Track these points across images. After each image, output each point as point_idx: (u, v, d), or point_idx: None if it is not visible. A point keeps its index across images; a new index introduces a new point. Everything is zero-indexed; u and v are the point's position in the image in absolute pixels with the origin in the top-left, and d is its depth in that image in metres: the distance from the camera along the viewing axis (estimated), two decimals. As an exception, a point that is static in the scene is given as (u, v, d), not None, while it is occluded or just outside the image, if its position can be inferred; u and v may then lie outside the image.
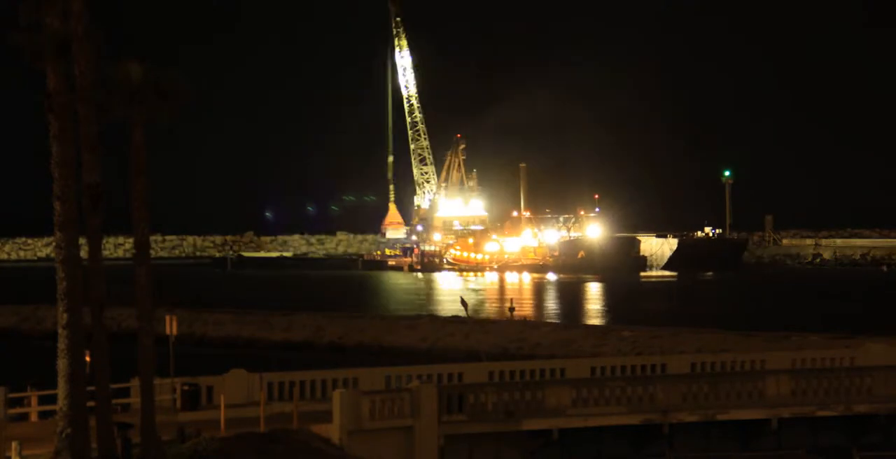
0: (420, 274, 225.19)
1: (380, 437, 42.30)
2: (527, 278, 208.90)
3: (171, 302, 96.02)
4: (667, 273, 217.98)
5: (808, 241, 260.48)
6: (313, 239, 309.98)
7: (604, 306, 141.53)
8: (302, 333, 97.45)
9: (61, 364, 34.18)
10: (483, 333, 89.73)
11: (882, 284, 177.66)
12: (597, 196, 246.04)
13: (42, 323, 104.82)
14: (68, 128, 34.05)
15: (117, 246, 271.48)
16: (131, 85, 36.19)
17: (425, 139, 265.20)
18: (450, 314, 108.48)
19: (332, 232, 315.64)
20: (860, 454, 46.92)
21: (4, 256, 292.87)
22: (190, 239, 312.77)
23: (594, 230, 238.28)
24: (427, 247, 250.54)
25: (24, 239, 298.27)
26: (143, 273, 37.05)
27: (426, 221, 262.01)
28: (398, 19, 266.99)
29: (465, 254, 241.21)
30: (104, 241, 47.40)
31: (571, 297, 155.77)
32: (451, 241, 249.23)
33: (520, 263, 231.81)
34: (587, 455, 46.09)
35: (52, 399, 36.31)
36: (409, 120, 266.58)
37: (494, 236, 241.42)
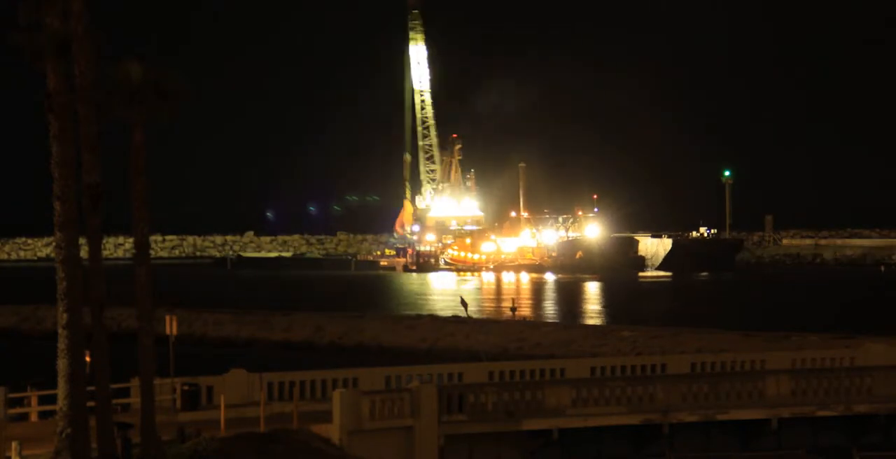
0: (414, 274, 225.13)
1: (380, 437, 42.30)
2: (525, 278, 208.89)
3: (171, 302, 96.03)
4: (661, 273, 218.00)
5: (808, 241, 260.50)
6: (313, 240, 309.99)
7: (603, 306, 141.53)
8: (302, 333, 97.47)
9: (61, 364, 34.17)
10: (483, 333, 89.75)
11: (882, 284, 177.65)
12: (595, 196, 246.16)
13: (42, 323, 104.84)
14: (68, 128, 34.04)
15: (117, 246, 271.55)
16: (131, 85, 36.19)
17: (435, 136, 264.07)
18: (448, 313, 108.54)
19: (332, 233, 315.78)
20: (860, 454, 46.91)
21: (4, 256, 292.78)
22: (190, 239, 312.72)
23: (593, 230, 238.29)
24: (423, 247, 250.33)
25: (24, 239, 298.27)
26: (143, 273, 37.07)
27: (421, 221, 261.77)
28: (415, 12, 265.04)
29: (463, 254, 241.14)
30: (104, 241, 47.37)
31: (570, 297, 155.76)
32: (447, 241, 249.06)
33: (517, 263, 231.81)
34: (587, 455, 46.09)
35: (52, 399, 36.30)
36: (419, 116, 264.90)
37: (492, 236, 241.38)
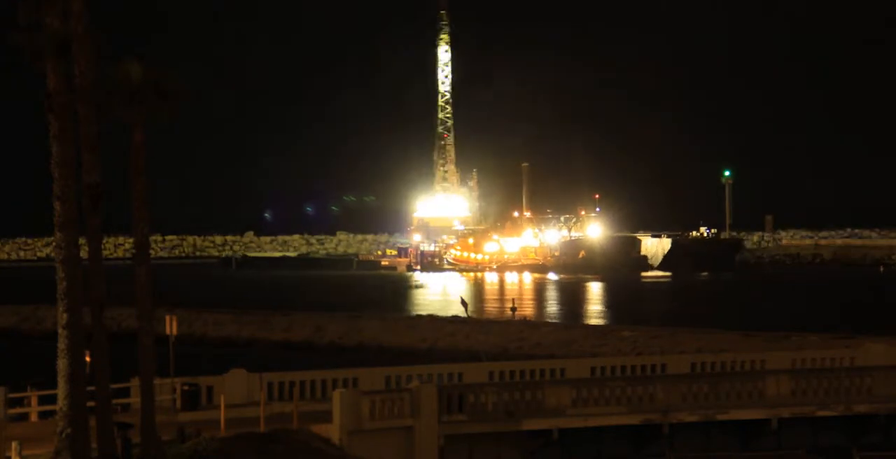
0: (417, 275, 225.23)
1: (380, 437, 42.29)
2: (527, 278, 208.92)
3: (171, 302, 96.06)
4: (661, 273, 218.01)
5: (808, 241, 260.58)
6: (313, 240, 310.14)
7: (604, 306, 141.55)
8: (302, 333, 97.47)
9: (61, 364, 34.17)
10: (483, 333, 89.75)
11: (882, 284, 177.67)
12: (597, 196, 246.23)
13: (42, 323, 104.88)
14: (68, 128, 34.02)
15: (117, 247, 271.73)
16: (131, 85, 36.19)
17: (452, 136, 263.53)
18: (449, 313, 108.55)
19: (331, 233, 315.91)
20: (860, 454, 46.89)
21: (4, 256, 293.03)
22: (190, 239, 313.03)
23: (595, 230, 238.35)
24: (426, 247, 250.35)
25: (24, 239, 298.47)
26: (143, 273, 37.07)
27: (422, 222, 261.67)
28: (443, 12, 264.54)
29: (466, 254, 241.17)
30: (104, 241, 47.42)
31: (572, 297, 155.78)
32: (450, 241, 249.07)
33: (520, 263, 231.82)
34: (587, 455, 46.08)
35: (52, 399, 36.30)
36: (440, 116, 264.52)
37: (495, 236, 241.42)
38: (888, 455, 47.03)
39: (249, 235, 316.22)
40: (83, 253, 34.34)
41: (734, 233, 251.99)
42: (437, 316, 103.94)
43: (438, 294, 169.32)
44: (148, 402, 36.73)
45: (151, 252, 37.88)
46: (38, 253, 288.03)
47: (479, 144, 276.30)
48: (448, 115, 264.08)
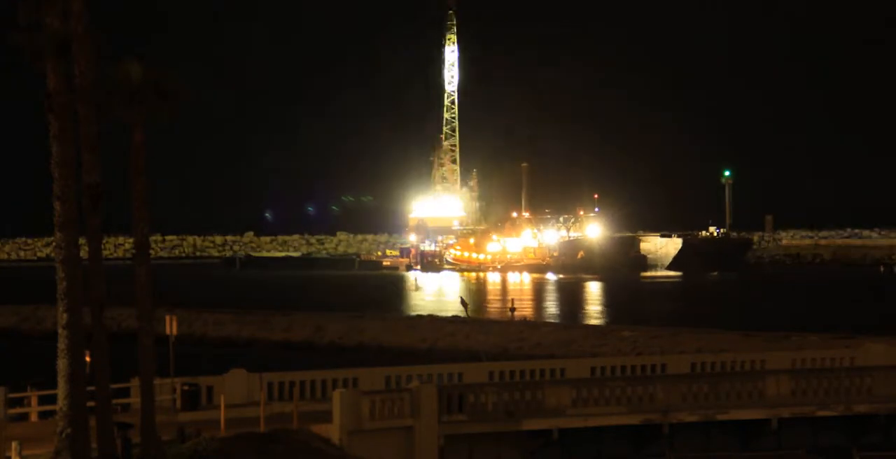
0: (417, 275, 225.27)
1: (380, 437, 42.29)
2: (526, 278, 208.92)
3: (171, 302, 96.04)
4: (671, 273, 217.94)
5: (808, 241, 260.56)
6: (313, 240, 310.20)
7: (604, 306, 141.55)
8: (302, 333, 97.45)
9: (61, 364, 34.16)
10: (483, 333, 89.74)
11: (882, 284, 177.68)
12: (596, 196, 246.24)
13: (42, 323, 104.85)
14: (68, 128, 34.02)
15: (117, 247, 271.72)
16: (131, 85, 36.19)
17: (458, 137, 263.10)
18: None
19: (332, 233, 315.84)
20: (860, 454, 46.89)
21: (4, 256, 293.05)
22: (190, 239, 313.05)
23: (594, 230, 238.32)
24: (426, 247, 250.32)
25: (24, 239, 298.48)
26: (143, 273, 37.07)
27: (421, 222, 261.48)
28: (451, 12, 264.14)
29: (466, 254, 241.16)
30: (104, 241, 47.41)
31: (571, 297, 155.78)
32: (449, 241, 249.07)
33: (523, 263, 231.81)
34: (587, 455, 46.08)
35: (52, 399, 36.30)
36: (446, 116, 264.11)
37: (495, 236, 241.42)
38: (888, 455, 47.02)
39: (249, 235, 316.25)
40: (83, 253, 34.35)
41: (734, 233, 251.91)
42: (437, 316, 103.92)
43: (433, 294, 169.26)
44: (148, 402, 36.73)
45: (151, 252, 37.88)
46: (38, 253, 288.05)
47: (479, 144, 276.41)
48: (454, 116, 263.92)
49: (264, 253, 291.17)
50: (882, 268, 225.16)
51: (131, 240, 37.75)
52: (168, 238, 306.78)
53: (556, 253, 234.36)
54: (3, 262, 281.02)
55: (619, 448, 46.50)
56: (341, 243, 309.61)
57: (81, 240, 34.35)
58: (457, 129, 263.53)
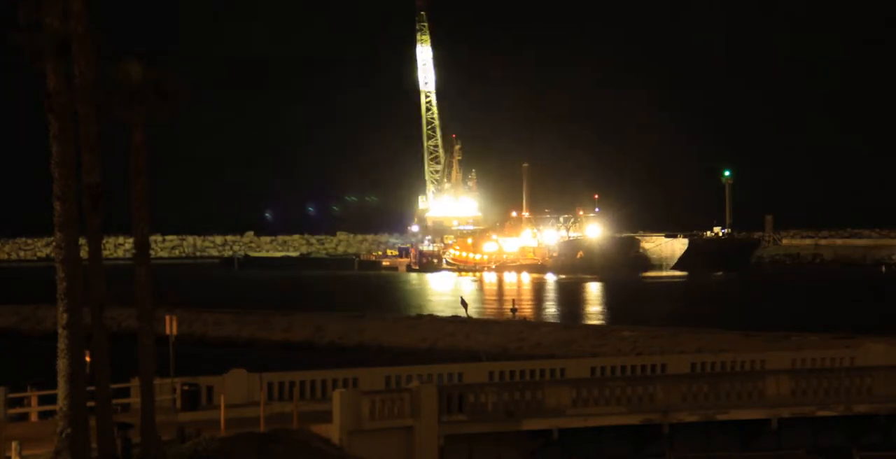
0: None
1: (380, 437, 42.30)
2: (525, 278, 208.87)
3: (171, 302, 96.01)
4: (677, 273, 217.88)
5: (808, 241, 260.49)
6: (313, 240, 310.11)
7: (604, 306, 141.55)
8: (302, 333, 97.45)
9: (61, 364, 34.17)
10: (483, 333, 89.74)
11: (882, 284, 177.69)
12: (596, 196, 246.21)
13: (42, 323, 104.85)
14: (68, 128, 34.03)
15: (117, 246, 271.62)
16: (131, 85, 36.19)
17: (440, 137, 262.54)
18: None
19: (332, 233, 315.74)
20: (860, 454, 46.90)
21: (4, 256, 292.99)
22: (190, 239, 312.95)
23: (593, 230, 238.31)
24: (425, 247, 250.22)
25: (24, 239, 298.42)
26: (143, 273, 37.07)
27: (423, 222, 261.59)
28: (423, 13, 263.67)
29: (464, 254, 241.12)
30: (104, 241, 47.35)
31: (571, 297, 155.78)
32: (449, 241, 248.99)
33: (519, 263, 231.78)
34: (587, 455, 46.08)
35: (52, 399, 36.30)
36: (425, 117, 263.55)
37: (494, 236, 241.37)
38: (888, 455, 47.03)
39: (249, 235, 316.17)
40: (83, 253, 34.35)
41: (734, 233, 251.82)
42: (437, 316, 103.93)
43: (436, 293, 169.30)
44: (148, 402, 36.73)
45: (151, 252, 37.88)
46: (38, 253, 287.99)
47: (479, 144, 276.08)
48: (433, 116, 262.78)
49: (262, 253, 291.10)
50: (882, 268, 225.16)
51: (131, 240, 37.74)
52: (168, 238, 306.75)
53: (555, 253, 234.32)
54: (3, 262, 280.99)
55: (619, 448, 46.50)
56: (341, 243, 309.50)
57: (81, 240, 34.36)
58: (437, 129, 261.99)
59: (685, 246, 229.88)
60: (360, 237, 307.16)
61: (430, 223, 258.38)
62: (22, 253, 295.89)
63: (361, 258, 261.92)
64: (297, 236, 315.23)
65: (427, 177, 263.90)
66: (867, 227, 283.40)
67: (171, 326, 47.39)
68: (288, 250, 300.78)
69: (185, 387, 45.26)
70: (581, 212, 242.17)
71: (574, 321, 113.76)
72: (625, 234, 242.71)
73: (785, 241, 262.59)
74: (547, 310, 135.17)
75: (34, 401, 44.40)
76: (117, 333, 56.10)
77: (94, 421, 34.76)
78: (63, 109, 33.95)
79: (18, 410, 43.98)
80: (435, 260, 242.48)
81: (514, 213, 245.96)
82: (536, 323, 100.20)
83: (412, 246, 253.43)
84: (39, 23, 33.72)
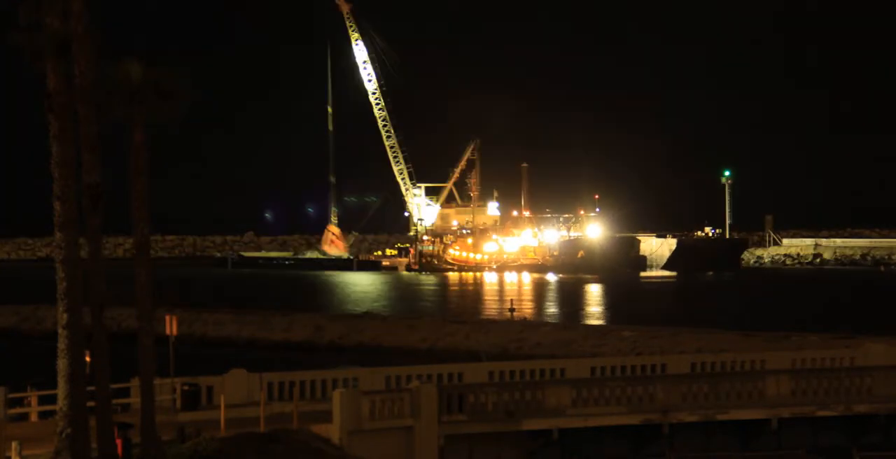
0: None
1: (380, 437, 42.31)
2: (526, 278, 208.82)
3: (171, 302, 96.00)
4: (666, 273, 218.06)
5: (808, 241, 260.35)
6: (313, 240, 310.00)
7: (603, 306, 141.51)
8: (302, 333, 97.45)
9: (61, 364, 34.17)
10: (483, 333, 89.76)
11: (882, 284, 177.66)
12: (597, 196, 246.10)
13: (42, 323, 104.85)
14: (68, 128, 34.03)
15: (117, 246, 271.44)
16: (131, 85, 36.20)
17: (399, 135, 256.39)
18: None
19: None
20: (860, 454, 46.92)
21: (4, 256, 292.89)
22: (190, 239, 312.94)
23: (594, 230, 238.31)
24: (425, 247, 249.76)
25: (24, 239, 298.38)
26: (143, 273, 37.07)
27: (423, 222, 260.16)
28: (348, 13, 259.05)
29: (465, 254, 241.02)
30: (104, 241, 47.25)
31: (571, 297, 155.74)
32: (449, 241, 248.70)
33: (519, 263, 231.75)
34: (587, 455, 46.09)
35: (52, 399, 36.30)
36: (378, 115, 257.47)
37: (494, 236, 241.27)
38: (888, 455, 47.06)
39: (249, 235, 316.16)
40: (83, 253, 34.35)
41: (734, 234, 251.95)
42: (438, 317, 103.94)
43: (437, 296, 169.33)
44: (148, 402, 36.74)
45: (151, 252, 37.89)
46: (38, 253, 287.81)
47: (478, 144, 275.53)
48: (385, 115, 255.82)
49: (256, 253, 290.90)
50: (882, 268, 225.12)
51: (131, 240, 37.75)
52: (168, 238, 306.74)
53: (556, 253, 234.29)
54: (3, 262, 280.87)
55: (619, 448, 46.51)
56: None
57: (81, 240, 34.36)
58: (392, 128, 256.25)
59: (673, 247, 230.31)
60: (360, 237, 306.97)
61: (438, 220, 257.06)
62: (22, 253, 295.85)
63: (360, 258, 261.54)
64: (296, 236, 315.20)
65: (397, 178, 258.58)
66: (867, 227, 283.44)
67: (171, 326, 47.40)
68: (288, 250, 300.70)
69: (185, 387, 45.27)
70: (582, 212, 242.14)
71: (574, 321, 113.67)
72: (625, 234, 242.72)
73: (785, 241, 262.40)
74: (547, 310, 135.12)
75: (34, 401, 44.41)
76: (117, 333, 56.16)
77: (94, 421, 34.76)
78: (63, 109, 33.95)
79: (18, 410, 43.99)
80: (435, 261, 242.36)
81: (514, 213, 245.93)
82: (536, 323, 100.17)
83: (411, 246, 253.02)
84: (39, 23, 33.73)
